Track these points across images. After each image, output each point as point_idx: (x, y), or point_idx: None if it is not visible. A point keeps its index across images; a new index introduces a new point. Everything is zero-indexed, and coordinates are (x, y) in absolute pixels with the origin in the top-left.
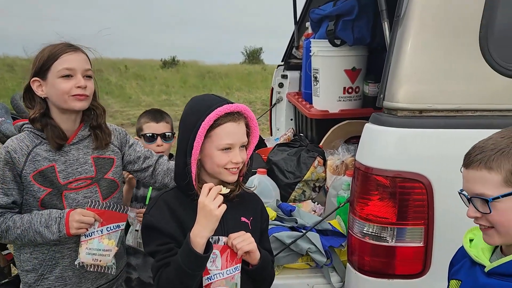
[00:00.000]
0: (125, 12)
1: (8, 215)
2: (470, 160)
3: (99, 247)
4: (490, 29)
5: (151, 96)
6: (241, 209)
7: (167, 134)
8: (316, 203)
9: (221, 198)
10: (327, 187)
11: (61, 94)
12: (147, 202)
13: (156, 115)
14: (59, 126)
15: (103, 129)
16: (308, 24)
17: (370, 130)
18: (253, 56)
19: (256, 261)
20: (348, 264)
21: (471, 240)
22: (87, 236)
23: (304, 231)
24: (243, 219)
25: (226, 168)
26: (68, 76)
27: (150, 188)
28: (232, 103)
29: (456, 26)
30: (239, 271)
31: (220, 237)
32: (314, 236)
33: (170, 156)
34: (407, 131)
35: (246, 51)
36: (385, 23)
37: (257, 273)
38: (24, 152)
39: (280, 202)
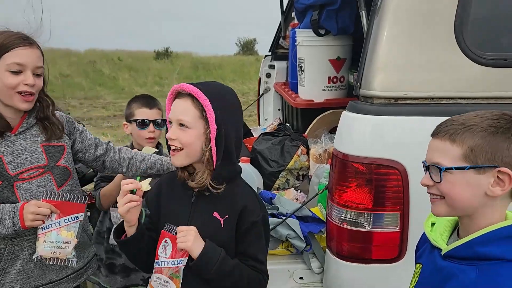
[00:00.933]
0: (118, 2)
1: None
2: (438, 130)
3: (57, 240)
4: (465, 19)
5: (144, 87)
6: (217, 204)
7: (158, 121)
8: (299, 191)
9: (128, 196)
10: (310, 176)
11: (7, 88)
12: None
13: (149, 100)
14: (1, 114)
15: (52, 121)
16: (293, 14)
17: (347, 118)
18: (247, 47)
19: (194, 256)
20: (327, 250)
21: (433, 225)
22: (44, 229)
23: (283, 218)
24: (215, 214)
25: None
26: (17, 72)
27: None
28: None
29: (432, 16)
30: (183, 264)
31: (175, 227)
32: (293, 223)
33: (158, 145)
34: (382, 118)
35: (240, 42)
36: (363, 12)
37: (204, 272)
38: None
39: (261, 190)
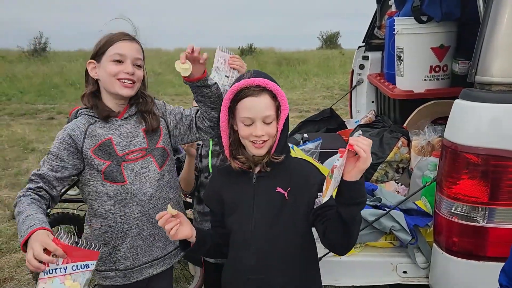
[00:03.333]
0: (202, 3)
1: (40, 193)
2: None
3: None
4: None
5: None
6: (278, 180)
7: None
8: (400, 184)
9: (168, 226)
10: (411, 168)
11: (109, 76)
12: (210, 171)
13: None
14: (104, 103)
15: (151, 115)
16: (391, 2)
17: (460, 106)
18: (330, 41)
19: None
20: (434, 244)
21: None
22: (47, 274)
23: (387, 210)
24: (278, 189)
25: (251, 141)
26: (118, 62)
27: (210, 157)
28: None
29: None
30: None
31: None
32: (398, 215)
33: None
34: (502, 106)
35: (322, 36)
36: None
37: (362, 195)
38: (82, 130)
39: None
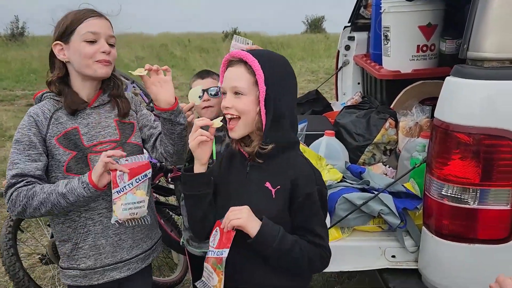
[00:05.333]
0: None
1: (37, 185)
2: None
3: (133, 200)
4: None
5: (215, 67)
6: (270, 174)
7: (211, 89)
8: (388, 166)
9: (200, 131)
10: (399, 150)
11: (85, 58)
12: (214, 158)
13: (203, 72)
14: (77, 92)
15: (122, 99)
16: None
17: (451, 84)
18: (315, 26)
19: (252, 234)
20: (423, 227)
21: None
22: (120, 192)
23: (376, 192)
24: (267, 184)
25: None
26: (92, 42)
27: (214, 143)
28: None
29: None
30: (225, 255)
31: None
32: (386, 198)
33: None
34: (495, 83)
35: (307, 21)
36: None
37: (263, 250)
38: (47, 115)
39: (349, 164)
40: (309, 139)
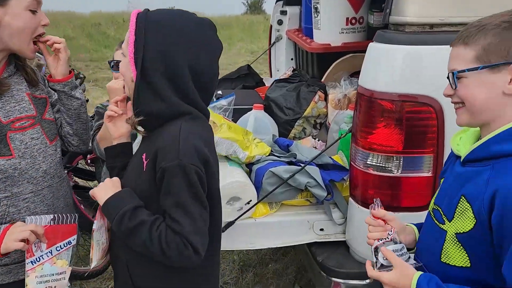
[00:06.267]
0: None
1: None
2: (456, 37)
3: (52, 272)
4: None
5: None
6: (148, 145)
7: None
8: (317, 139)
9: (110, 106)
10: (329, 123)
11: (27, 31)
12: None
13: (118, 44)
14: None
15: (28, 68)
16: None
17: (374, 49)
18: (255, 7)
19: (100, 204)
20: (350, 198)
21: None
22: (35, 262)
23: (303, 165)
24: (143, 156)
25: None
26: (34, 12)
27: None
28: None
29: None
30: (94, 227)
31: None
32: (313, 170)
33: None
34: (416, 48)
35: (247, 2)
36: None
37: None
38: None
39: (277, 137)
40: (238, 114)
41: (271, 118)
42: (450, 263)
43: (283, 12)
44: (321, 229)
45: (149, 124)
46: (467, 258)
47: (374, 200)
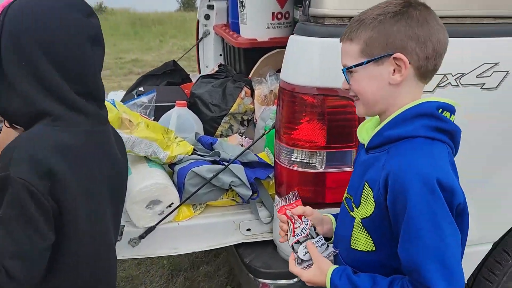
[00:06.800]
0: None
1: None
2: (342, 33)
3: None
4: None
5: None
6: None
7: None
8: (244, 136)
9: None
10: (256, 120)
11: None
12: None
13: None
14: None
15: None
16: None
17: (294, 42)
18: (188, 4)
19: None
20: (276, 196)
21: None
22: None
23: (226, 164)
24: None
25: None
26: None
27: None
28: None
29: None
30: None
31: None
32: (238, 169)
33: None
34: (335, 41)
35: None
36: None
37: None
38: None
39: (200, 135)
40: (160, 111)
41: (196, 116)
42: (358, 249)
43: (210, 7)
44: (248, 229)
45: (21, 124)
46: (372, 242)
47: (291, 192)
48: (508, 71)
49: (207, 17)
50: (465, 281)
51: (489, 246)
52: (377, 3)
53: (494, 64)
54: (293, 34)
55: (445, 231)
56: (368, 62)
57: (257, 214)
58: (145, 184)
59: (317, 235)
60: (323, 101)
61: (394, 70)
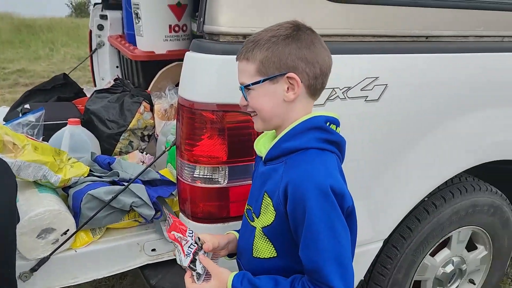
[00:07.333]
0: None
1: None
2: (238, 52)
3: None
4: None
5: None
6: None
7: None
8: (145, 153)
9: None
10: (157, 135)
11: None
12: None
13: None
14: None
15: None
16: None
17: (190, 59)
18: (80, 9)
19: None
20: (180, 213)
21: None
22: None
23: (126, 184)
24: None
25: None
26: None
27: None
28: None
29: None
30: None
31: None
32: (139, 188)
33: None
34: (231, 58)
35: (71, 3)
36: None
37: None
38: None
39: (96, 154)
40: (50, 131)
41: (91, 134)
42: (260, 257)
43: (103, 17)
44: (153, 250)
45: None
46: (273, 248)
47: (168, 218)
48: (387, 84)
49: (100, 27)
50: (362, 277)
51: (381, 244)
52: (269, 25)
53: (375, 78)
54: (189, 50)
55: (339, 233)
56: (264, 80)
57: (162, 233)
58: (35, 212)
59: (201, 248)
60: (222, 117)
61: (288, 88)
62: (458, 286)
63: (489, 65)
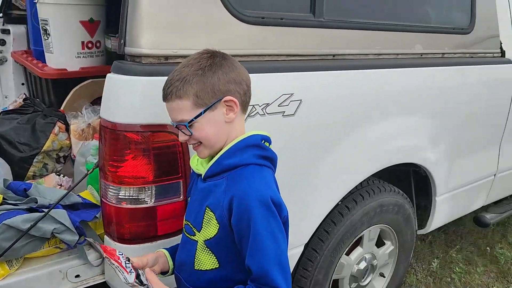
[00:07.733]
0: None
1: None
2: (165, 94)
3: None
4: None
5: None
6: None
7: None
8: (62, 175)
9: None
10: (74, 156)
11: None
12: None
13: None
14: None
15: None
16: None
17: (112, 81)
18: None
19: None
20: (105, 236)
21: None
22: None
23: (46, 210)
24: None
25: None
26: None
27: None
28: None
29: None
30: None
31: None
32: (60, 214)
33: None
34: (153, 79)
35: None
36: None
37: None
38: None
39: (10, 181)
40: None
41: (1, 158)
42: (202, 269)
43: (5, 31)
44: (77, 276)
45: None
46: (216, 260)
47: (119, 256)
48: (301, 100)
49: (2, 42)
50: None
51: (302, 248)
52: (190, 46)
53: (290, 95)
54: (104, 66)
55: (280, 240)
56: (205, 111)
57: (86, 258)
58: None
59: (131, 269)
60: (147, 138)
61: (226, 110)
62: (370, 280)
63: (388, 79)
